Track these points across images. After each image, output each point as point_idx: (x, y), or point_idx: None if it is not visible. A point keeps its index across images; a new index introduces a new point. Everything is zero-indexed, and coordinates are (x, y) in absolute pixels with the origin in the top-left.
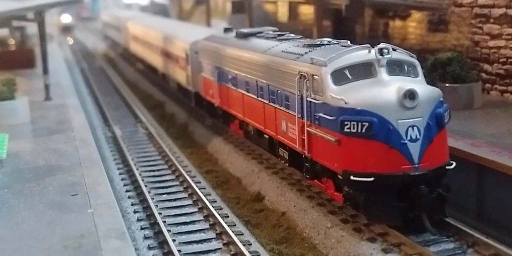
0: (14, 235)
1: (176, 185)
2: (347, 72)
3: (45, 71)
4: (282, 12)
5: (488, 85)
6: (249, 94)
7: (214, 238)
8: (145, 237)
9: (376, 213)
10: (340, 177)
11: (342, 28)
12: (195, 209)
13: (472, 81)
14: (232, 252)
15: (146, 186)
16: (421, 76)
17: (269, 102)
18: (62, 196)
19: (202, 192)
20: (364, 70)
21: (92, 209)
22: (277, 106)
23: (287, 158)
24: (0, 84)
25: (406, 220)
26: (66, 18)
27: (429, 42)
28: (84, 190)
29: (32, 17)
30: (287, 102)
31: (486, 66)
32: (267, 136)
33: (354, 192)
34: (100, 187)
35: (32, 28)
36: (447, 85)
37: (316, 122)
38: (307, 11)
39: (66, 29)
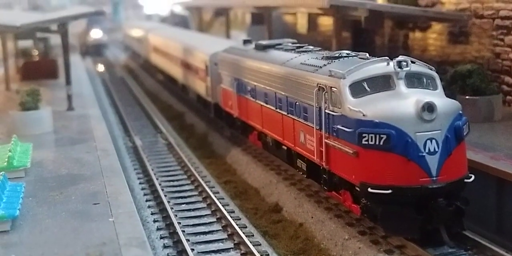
0: (38, 242)
1: (195, 195)
2: (365, 85)
3: (68, 81)
4: (301, 24)
5: (509, 98)
6: (267, 106)
7: (232, 248)
8: (165, 246)
9: (394, 226)
10: (358, 189)
11: (362, 39)
12: (214, 219)
13: (492, 94)
14: None
15: (165, 195)
16: (440, 89)
17: (288, 113)
18: (84, 204)
19: (220, 202)
20: (382, 83)
21: (113, 218)
22: (296, 118)
23: (305, 169)
24: (25, 95)
25: (424, 232)
26: (97, 33)
27: (450, 53)
28: (106, 199)
29: (55, 29)
30: (305, 114)
31: (507, 78)
32: (285, 148)
33: (372, 204)
34: (121, 197)
35: (55, 39)
36: (467, 97)
37: (334, 134)
38: (326, 22)
39: (96, 49)
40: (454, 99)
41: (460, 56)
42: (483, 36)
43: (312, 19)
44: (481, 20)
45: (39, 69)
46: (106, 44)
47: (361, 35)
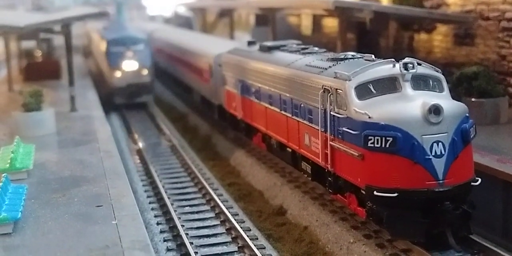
0: (41, 245)
1: (199, 197)
2: (371, 87)
3: (71, 83)
4: (306, 25)
5: None
6: (272, 108)
7: (236, 251)
8: (168, 249)
9: (400, 229)
10: (363, 192)
11: (366, 41)
12: (218, 222)
13: (498, 96)
14: None
15: (169, 198)
16: (446, 91)
17: (292, 115)
18: (87, 207)
19: (224, 205)
20: (388, 85)
21: (116, 221)
22: (300, 120)
23: (309, 172)
24: (28, 96)
25: (430, 236)
26: (131, 66)
27: (455, 55)
28: (109, 201)
29: (59, 30)
30: (310, 116)
31: None
32: (290, 150)
33: (378, 207)
34: (124, 199)
35: (58, 40)
36: (473, 99)
37: (340, 136)
38: (331, 24)
39: (131, 95)
40: (460, 101)
41: (466, 58)
42: (488, 38)
43: (316, 21)
44: (486, 22)
45: (42, 70)
46: (150, 86)
47: (366, 37)
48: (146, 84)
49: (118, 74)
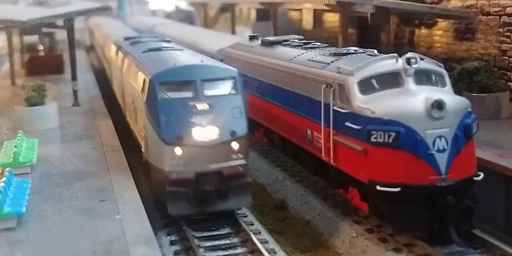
0: (45, 239)
1: None
2: (374, 82)
3: (74, 77)
4: (307, 20)
5: None
6: (274, 102)
7: (239, 245)
8: (171, 243)
9: (402, 223)
10: (366, 186)
11: (367, 36)
12: (220, 216)
13: (499, 91)
14: None
15: None
16: (448, 86)
17: (295, 110)
18: (91, 201)
19: None
20: (391, 80)
21: (120, 215)
22: (303, 115)
23: (312, 166)
24: (31, 90)
25: (432, 231)
26: (206, 133)
27: (456, 50)
28: (113, 196)
29: (61, 24)
30: (313, 111)
31: None
32: (292, 144)
33: (380, 202)
34: (127, 193)
35: (60, 34)
36: (474, 94)
37: (342, 131)
38: (332, 18)
39: (202, 199)
40: (461, 96)
41: (466, 53)
42: (489, 33)
43: (317, 15)
44: (487, 17)
45: (44, 64)
46: (244, 175)
47: (367, 32)
48: (238, 171)
49: (177, 152)
